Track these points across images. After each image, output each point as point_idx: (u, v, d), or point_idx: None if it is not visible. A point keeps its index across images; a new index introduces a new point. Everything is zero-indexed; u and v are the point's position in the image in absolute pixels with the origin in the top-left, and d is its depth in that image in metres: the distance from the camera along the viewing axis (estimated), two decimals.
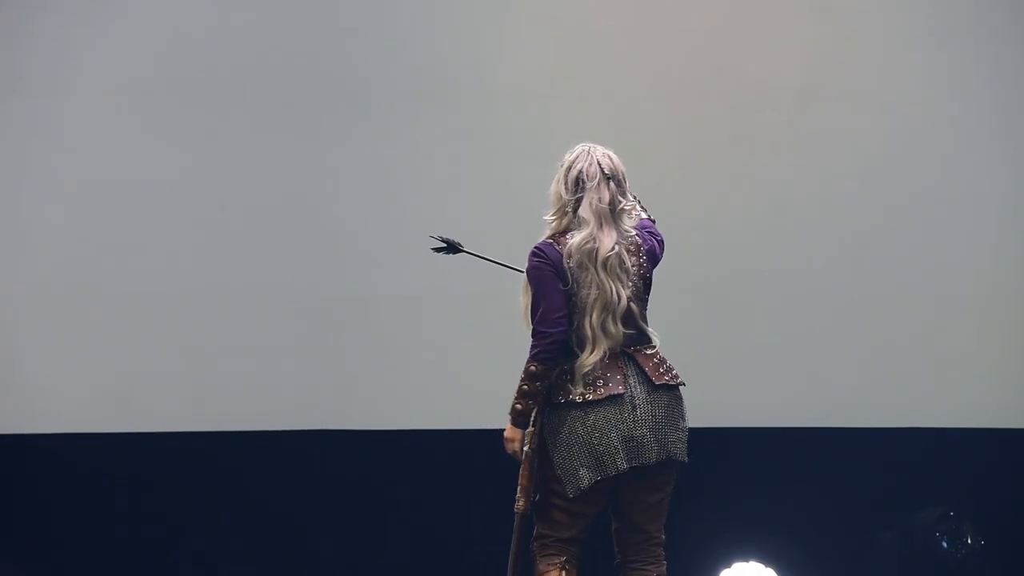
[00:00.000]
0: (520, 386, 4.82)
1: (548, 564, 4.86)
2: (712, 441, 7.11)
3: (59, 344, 7.17)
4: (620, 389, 4.76)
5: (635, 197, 4.96)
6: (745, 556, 7.20)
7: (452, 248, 5.29)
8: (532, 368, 4.79)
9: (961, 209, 7.41)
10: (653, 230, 4.96)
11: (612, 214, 4.81)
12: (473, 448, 7.08)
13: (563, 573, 4.85)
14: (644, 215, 5.01)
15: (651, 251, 4.90)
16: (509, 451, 4.90)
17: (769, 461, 7.32)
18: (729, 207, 7.35)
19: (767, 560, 7.19)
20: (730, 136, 7.37)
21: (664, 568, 4.94)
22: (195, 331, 7.20)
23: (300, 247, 7.24)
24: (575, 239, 4.78)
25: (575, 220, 4.81)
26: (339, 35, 7.29)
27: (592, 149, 4.87)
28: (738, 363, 7.31)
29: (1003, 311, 7.39)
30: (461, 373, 7.14)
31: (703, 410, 7.05)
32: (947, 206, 7.41)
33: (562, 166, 4.88)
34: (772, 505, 7.27)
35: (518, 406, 4.83)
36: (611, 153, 4.89)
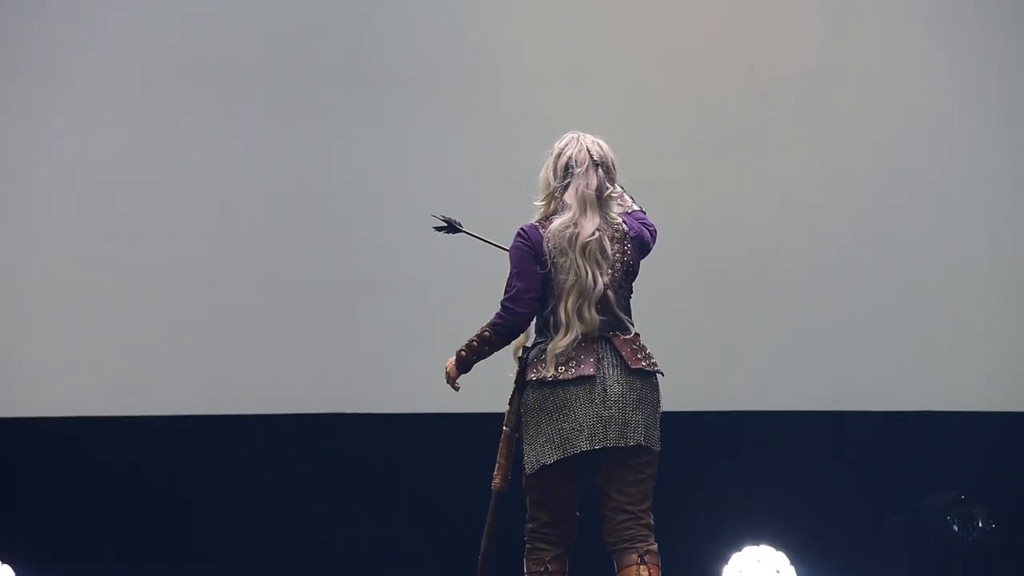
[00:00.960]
0: (471, 340, 4.92)
1: (534, 562, 4.90)
2: (723, 424, 7.14)
3: (71, 330, 7.18)
4: (591, 371, 4.79)
5: (623, 188, 4.98)
6: (756, 539, 7.20)
7: (452, 227, 5.32)
8: (486, 334, 4.88)
9: (970, 194, 7.41)
10: (645, 220, 4.97)
11: (598, 200, 4.84)
12: (481, 432, 7.08)
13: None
14: (635, 206, 5.02)
15: (639, 239, 4.90)
16: (446, 381, 5.04)
17: (780, 444, 7.32)
18: (739, 193, 7.35)
19: (778, 543, 7.19)
20: (740, 122, 7.37)
21: (654, 548, 4.90)
22: (206, 317, 7.21)
23: (311, 233, 7.25)
24: (555, 223, 4.82)
25: (561, 204, 4.84)
26: (350, 22, 7.29)
27: (582, 136, 4.91)
28: (749, 347, 7.31)
29: (1014, 294, 7.39)
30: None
31: (715, 394, 7.09)
32: (956, 191, 7.41)
33: (551, 153, 4.92)
34: (783, 488, 7.27)
35: (462, 352, 4.95)
36: (601, 141, 4.92)
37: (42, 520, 7.21)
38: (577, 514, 4.93)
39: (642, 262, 4.93)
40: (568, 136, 4.92)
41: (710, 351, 7.29)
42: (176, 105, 7.23)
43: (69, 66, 7.22)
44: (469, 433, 7.12)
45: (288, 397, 7.20)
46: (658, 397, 4.90)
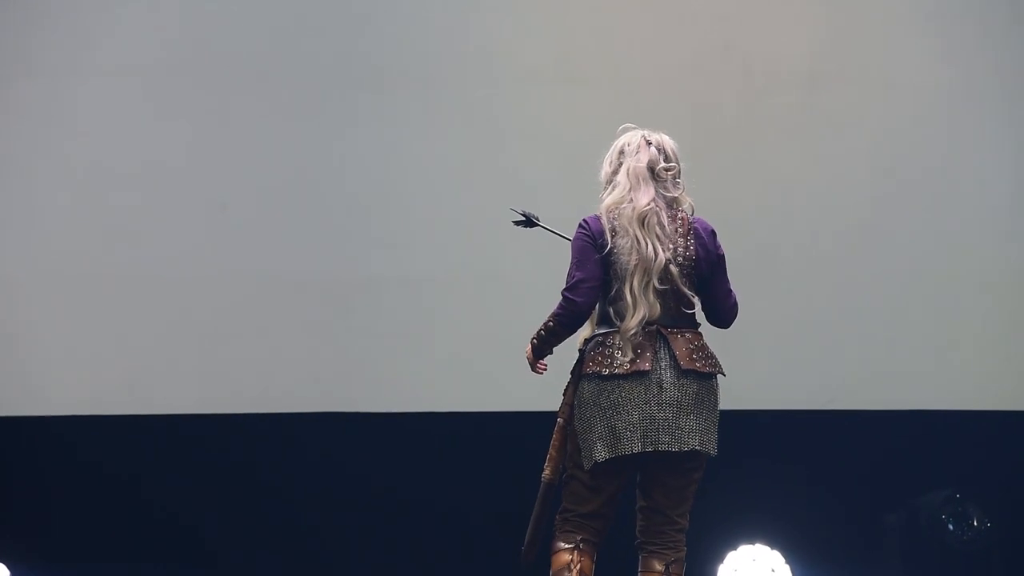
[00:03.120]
0: (539, 330, 4.86)
1: (563, 541, 4.85)
2: (719, 424, 7.13)
3: (68, 328, 7.18)
4: (647, 366, 4.73)
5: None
6: (751, 539, 7.20)
7: (529, 222, 5.26)
8: (551, 324, 4.84)
9: (967, 191, 7.41)
10: (715, 241, 4.92)
11: (651, 174, 4.84)
12: (481, 430, 7.10)
13: (575, 554, 4.83)
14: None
15: (703, 241, 4.86)
16: (530, 368, 4.97)
17: (775, 443, 7.32)
18: (737, 191, 7.34)
19: (773, 542, 7.19)
20: (738, 119, 7.36)
21: (682, 555, 4.92)
22: (203, 314, 7.20)
23: (309, 230, 7.24)
24: (608, 200, 4.83)
25: (615, 184, 4.86)
26: (347, 20, 7.29)
27: (639, 128, 4.94)
28: (744, 346, 7.28)
29: (1010, 292, 7.39)
30: (468, 356, 7.14)
31: None
32: (954, 188, 7.41)
33: (609, 150, 4.93)
34: (778, 487, 7.27)
35: (534, 341, 4.89)
36: (664, 134, 4.95)
37: (36, 519, 7.20)
38: (613, 512, 4.90)
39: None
40: (627, 130, 4.95)
41: None
42: (175, 103, 7.23)
43: (69, 63, 7.21)
44: (469, 432, 7.15)
45: (286, 396, 7.19)
46: (716, 400, 4.85)
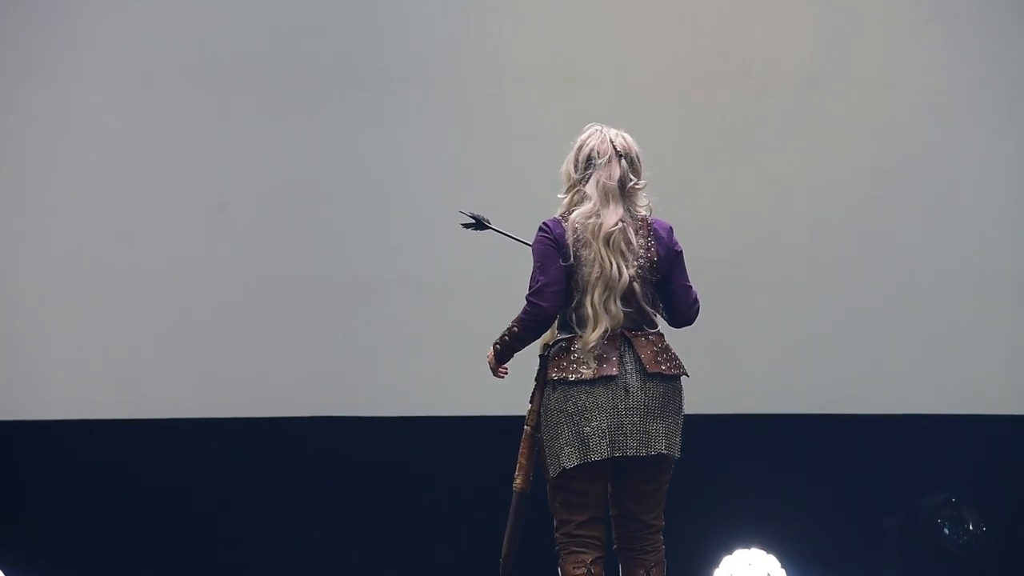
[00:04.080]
0: (502, 336, 4.85)
1: (573, 566, 4.81)
2: (714, 427, 7.13)
3: (63, 331, 7.15)
4: (614, 371, 4.72)
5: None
6: (747, 543, 7.20)
7: (480, 224, 5.24)
8: (515, 329, 4.81)
9: (966, 195, 7.41)
10: (672, 237, 4.88)
11: (621, 192, 4.77)
12: (478, 434, 7.09)
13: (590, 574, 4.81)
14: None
15: (662, 241, 4.82)
16: (492, 373, 4.97)
17: (771, 447, 7.32)
18: (735, 192, 7.34)
19: (768, 547, 7.19)
20: (736, 121, 7.36)
21: (662, 554, 4.89)
22: (201, 317, 7.18)
23: (307, 233, 7.23)
24: (576, 214, 4.75)
25: (582, 196, 4.78)
26: (346, 20, 7.27)
27: (605, 129, 4.86)
28: (741, 349, 7.30)
29: (1007, 297, 7.39)
30: (466, 360, 7.10)
31: (705, 396, 7.04)
32: (953, 192, 7.41)
33: (573, 146, 4.85)
34: (774, 491, 7.27)
35: (497, 346, 4.88)
36: (625, 134, 4.87)
37: (34, 524, 7.17)
38: (608, 516, 4.87)
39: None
40: (590, 128, 4.87)
41: (701, 353, 7.22)
42: (172, 105, 7.20)
43: (66, 66, 7.17)
44: (467, 436, 7.13)
45: (283, 399, 7.18)
46: (681, 401, 4.83)
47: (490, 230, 5.23)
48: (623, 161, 4.79)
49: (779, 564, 7.15)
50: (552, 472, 4.77)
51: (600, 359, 4.73)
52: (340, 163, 7.26)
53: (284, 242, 7.21)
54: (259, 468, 7.22)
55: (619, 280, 4.71)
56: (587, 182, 4.78)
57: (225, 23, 7.24)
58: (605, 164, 4.77)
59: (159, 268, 7.17)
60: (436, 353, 7.19)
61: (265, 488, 7.23)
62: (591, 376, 4.71)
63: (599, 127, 4.86)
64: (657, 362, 4.77)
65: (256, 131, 7.22)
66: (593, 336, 4.71)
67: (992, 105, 7.41)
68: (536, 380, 4.90)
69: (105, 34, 7.20)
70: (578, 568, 4.80)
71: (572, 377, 4.73)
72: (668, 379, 4.80)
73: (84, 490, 7.17)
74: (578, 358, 4.74)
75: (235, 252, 7.21)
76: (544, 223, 4.80)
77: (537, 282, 4.75)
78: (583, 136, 4.86)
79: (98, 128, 7.18)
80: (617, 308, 4.72)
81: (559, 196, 4.87)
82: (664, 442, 4.75)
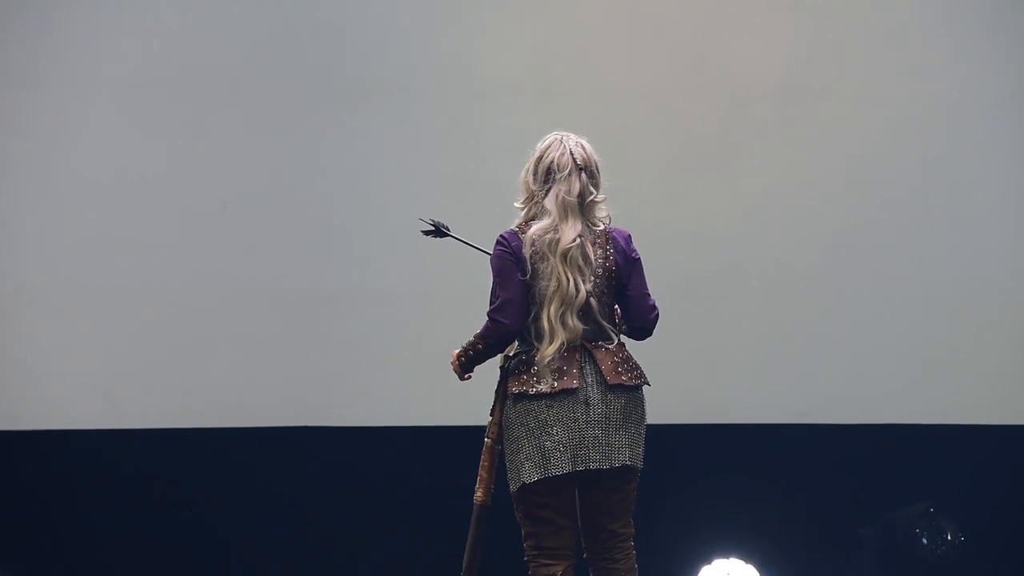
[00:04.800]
0: (466, 349, 4.84)
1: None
2: (693, 437, 7.14)
3: (42, 340, 7.14)
4: (574, 384, 4.68)
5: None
6: (726, 552, 7.20)
7: (439, 231, 5.22)
8: (479, 345, 4.80)
9: (945, 206, 7.43)
10: (630, 245, 4.85)
11: (580, 206, 4.73)
12: (454, 444, 7.07)
13: None
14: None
15: (620, 248, 4.80)
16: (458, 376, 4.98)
17: (750, 457, 7.33)
18: (714, 203, 7.35)
19: (748, 556, 7.19)
20: (715, 132, 7.37)
21: (632, 561, 4.87)
22: (175, 329, 7.18)
23: (284, 243, 7.22)
24: (534, 228, 4.71)
25: (540, 209, 4.74)
26: (325, 31, 7.27)
27: (565, 138, 4.81)
28: (720, 359, 7.31)
29: (985, 307, 7.40)
30: (443, 370, 7.11)
31: (686, 406, 7.08)
32: (929, 202, 7.43)
33: (533, 154, 4.81)
34: (753, 501, 7.27)
35: (463, 358, 4.87)
36: (584, 142, 4.82)
37: (13, 533, 7.16)
38: (576, 524, 4.84)
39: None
40: (551, 137, 4.82)
41: (680, 363, 7.28)
42: (150, 114, 7.20)
43: (40, 74, 7.18)
44: (443, 446, 7.13)
45: (260, 409, 7.17)
46: (643, 412, 4.81)
47: (449, 237, 5.23)
48: (583, 175, 4.74)
49: (758, 573, 7.15)
50: (513, 487, 4.76)
51: (560, 372, 4.70)
52: (317, 175, 7.25)
53: (259, 253, 7.20)
54: (232, 477, 7.22)
55: (576, 296, 4.68)
56: (546, 195, 4.73)
57: (201, 35, 7.23)
58: (565, 178, 4.72)
59: (134, 279, 7.16)
60: (411, 364, 7.18)
61: (240, 497, 7.22)
62: (551, 390, 4.68)
63: (559, 135, 4.81)
64: (618, 373, 4.75)
65: (233, 142, 7.21)
66: (549, 350, 4.68)
67: (971, 116, 7.43)
68: (496, 393, 4.88)
69: (79, 45, 7.19)
70: None
71: (532, 391, 4.71)
72: (629, 390, 4.77)
73: (61, 500, 7.16)
74: (537, 371, 4.71)
75: (210, 263, 7.20)
76: (502, 236, 4.77)
77: (498, 298, 4.73)
78: (543, 145, 4.81)
79: (72, 138, 7.17)
80: (575, 322, 4.69)
81: (516, 205, 4.84)
82: (628, 453, 4.73)
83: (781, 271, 7.36)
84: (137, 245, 7.18)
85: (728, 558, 7.19)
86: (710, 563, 7.18)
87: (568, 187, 4.72)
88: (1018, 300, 7.41)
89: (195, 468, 7.21)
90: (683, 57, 7.37)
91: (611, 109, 7.26)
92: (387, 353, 7.21)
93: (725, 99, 7.38)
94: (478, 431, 5.03)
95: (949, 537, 7.33)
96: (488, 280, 4.81)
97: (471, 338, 4.83)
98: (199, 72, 7.22)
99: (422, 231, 5.24)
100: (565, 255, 4.68)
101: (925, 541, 7.33)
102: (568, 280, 4.68)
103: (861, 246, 7.39)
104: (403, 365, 7.19)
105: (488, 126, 7.27)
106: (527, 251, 4.70)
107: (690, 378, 7.13)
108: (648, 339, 4.92)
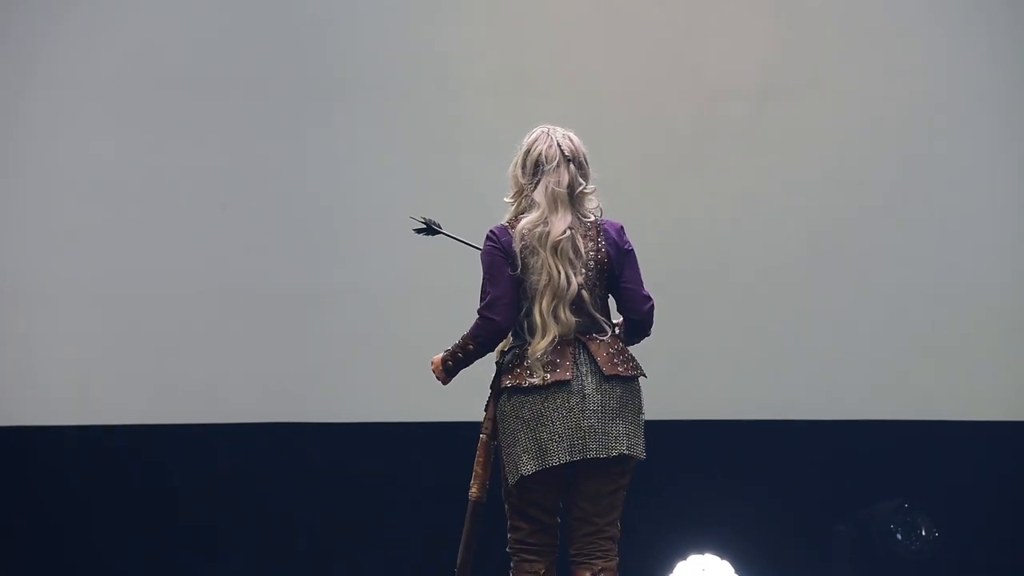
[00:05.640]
0: (455, 351, 4.82)
1: (527, 575, 4.80)
2: (668, 433, 7.13)
3: (19, 338, 7.12)
4: (568, 375, 4.67)
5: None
6: (701, 548, 7.21)
7: (431, 229, 5.21)
8: (469, 346, 4.78)
9: (922, 204, 7.44)
10: (623, 237, 4.85)
11: (570, 198, 4.73)
12: (435, 440, 7.08)
13: None
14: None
15: (611, 240, 4.80)
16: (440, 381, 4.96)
17: (725, 453, 7.34)
18: (691, 202, 7.36)
19: (722, 552, 7.20)
20: (693, 131, 7.37)
21: (613, 563, 4.85)
22: (154, 327, 7.17)
23: (263, 240, 7.22)
24: (524, 222, 4.70)
25: (530, 202, 4.73)
26: (302, 29, 7.26)
27: (552, 131, 4.81)
28: (696, 355, 7.32)
29: (958, 305, 7.43)
30: (422, 366, 7.11)
31: (660, 402, 7.08)
32: (905, 201, 7.45)
33: (520, 148, 4.81)
34: (727, 497, 7.29)
35: (449, 362, 4.85)
36: (572, 135, 4.83)
37: None
38: (559, 520, 4.84)
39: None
40: (538, 131, 4.82)
41: (656, 360, 7.28)
42: (127, 114, 7.18)
43: (24, 74, 7.16)
44: (424, 442, 7.13)
45: (239, 406, 7.16)
46: (640, 402, 4.80)
47: (441, 235, 5.22)
48: (571, 166, 4.75)
49: (733, 570, 7.17)
50: (511, 480, 4.74)
51: (552, 365, 4.68)
52: (295, 171, 7.24)
53: (239, 250, 7.20)
54: (212, 474, 7.21)
55: (567, 289, 4.67)
56: (535, 188, 4.73)
57: (179, 31, 7.21)
58: (553, 170, 4.73)
59: (113, 276, 7.16)
60: (390, 360, 7.18)
61: (220, 493, 7.21)
62: (544, 383, 4.67)
63: (546, 128, 4.82)
64: (614, 364, 4.74)
65: (209, 141, 7.20)
66: (541, 344, 4.67)
67: (949, 115, 7.44)
68: (491, 387, 4.86)
69: (62, 43, 7.18)
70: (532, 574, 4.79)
71: (525, 384, 4.70)
72: (626, 380, 4.77)
73: (34, 498, 7.15)
74: (531, 365, 4.70)
75: (189, 260, 7.19)
76: (491, 231, 4.76)
77: (487, 295, 4.73)
78: (530, 139, 4.81)
79: (53, 136, 7.16)
80: (567, 315, 4.68)
81: (506, 200, 4.84)
82: (626, 442, 4.73)
83: (757, 269, 7.37)
84: (113, 243, 7.16)
85: (703, 554, 7.20)
86: (685, 559, 7.19)
87: (557, 179, 4.72)
88: (992, 298, 7.44)
89: (168, 464, 7.20)
90: (660, 56, 7.37)
91: (588, 108, 7.26)
92: (372, 350, 7.21)
93: (702, 98, 7.39)
94: (465, 426, 5.03)
95: (923, 533, 7.35)
96: (475, 275, 4.81)
97: (459, 340, 4.82)
98: (174, 71, 7.21)
99: (414, 229, 5.23)
100: (555, 247, 4.68)
101: (899, 537, 7.35)
102: (559, 273, 4.67)
103: (838, 245, 7.40)
104: (389, 362, 7.18)
105: (464, 124, 7.27)
106: (517, 245, 4.69)
107: (665, 374, 7.10)
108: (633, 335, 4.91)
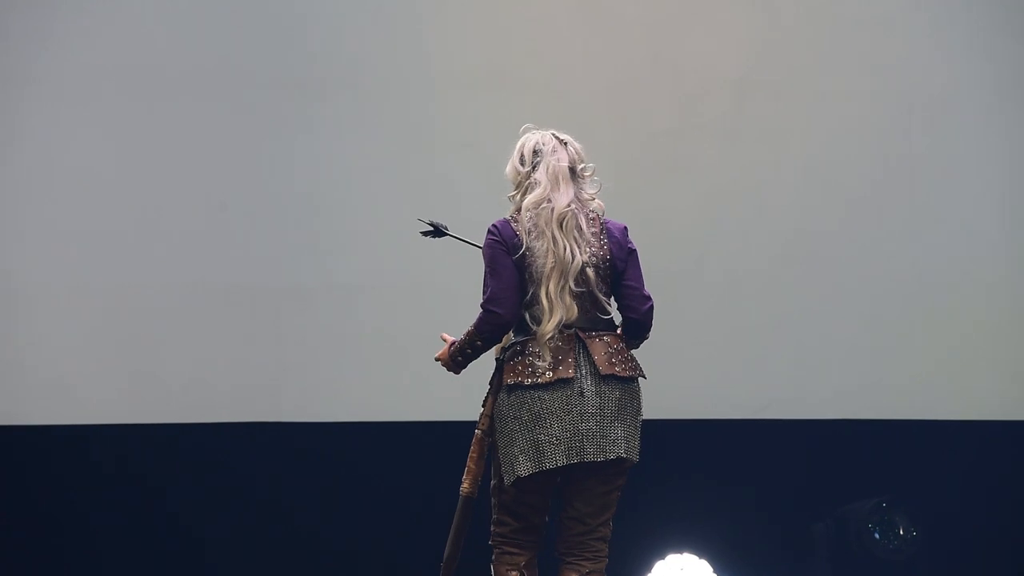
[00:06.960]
0: (462, 346, 4.81)
1: (507, 567, 4.80)
2: (646, 433, 7.13)
3: (16, 337, 7.10)
4: (570, 373, 4.66)
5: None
6: (679, 548, 7.21)
7: (438, 231, 5.20)
8: (477, 342, 4.77)
9: (901, 201, 7.46)
10: (626, 237, 4.86)
11: (572, 175, 4.77)
12: (413, 440, 7.08)
13: None
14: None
15: (615, 239, 4.81)
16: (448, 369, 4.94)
17: (703, 453, 7.35)
18: (669, 199, 7.36)
19: (701, 551, 7.20)
20: (670, 127, 7.38)
21: (602, 564, 4.85)
22: (133, 325, 7.15)
23: (240, 238, 7.21)
24: (528, 200, 4.73)
25: (532, 184, 4.76)
26: (280, 26, 7.25)
27: (539, 129, 4.86)
28: (673, 355, 7.31)
29: (937, 302, 7.44)
30: (400, 364, 7.11)
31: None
32: (884, 197, 7.46)
33: (515, 148, 4.84)
34: (706, 496, 7.30)
35: (459, 357, 4.84)
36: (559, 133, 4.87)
37: None
38: (547, 520, 4.85)
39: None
40: (526, 129, 4.86)
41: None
42: (103, 110, 7.16)
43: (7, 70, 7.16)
44: (402, 441, 7.13)
45: (216, 404, 7.15)
46: (639, 404, 4.80)
47: (448, 236, 5.22)
48: (569, 148, 4.80)
49: (711, 569, 7.17)
50: (507, 480, 4.73)
51: (556, 360, 4.68)
52: (274, 169, 7.23)
53: (215, 248, 7.18)
54: (187, 473, 7.19)
55: (572, 263, 4.67)
56: (536, 169, 4.76)
57: (154, 29, 7.19)
58: (552, 151, 4.77)
59: (90, 274, 7.14)
60: (367, 359, 7.18)
61: (194, 494, 7.20)
62: (548, 380, 4.66)
63: (533, 127, 4.86)
64: (611, 364, 4.73)
65: (187, 138, 7.18)
66: (549, 326, 4.66)
67: (930, 112, 7.46)
68: (491, 384, 4.85)
69: (44, 40, 7.16)
70: (511, 570, 4.80)
71: (528, 381, 4.68)
72: (624, 381, 4.75)
73: (18, 496, 7.14)
74: (534, 360, 4.68)
75: (166, 258, 7.17)
76: (493, 225, 4.77)
77: (490, 288, 4.72)
78: (522, 138, 4.85)
79: (28, 134, 7.15)
80: (571, 300, 4.68)
81: (509, 196, 4.84)
82: (624, 445, 4.71)
83: (736, 267, 7.38)
84: (90, 241, 7.15)
85: (681, 553, 7.20)
86: (664, 558, 7.19)
87: (557, 157, 4.77)
88: (971, 296, 7.45)
89: (146, 463, 7.19)
90: (639, 54, 7.38)
91: (567, 105, 7.25)
92: (355, 349, 7.21)
93: (680, 94, 7.39)
94: (454, 425, 5.00)
95: (901, 532, 7.36)
96: (463, 273, 4.80)
97: (464, 335, 4.81)
98: (151, 67, 7.20)
99: (421, 232, 5.21)
100: (561, 221, 4.69)
101: (877, 536, 7.36)
102: (564, 247, 4.68)
103: (817, 243, 7.41)
104: (374, 360, 7.18)
105: (442, 120, 7.30)
106: (523, 228, 4.70)
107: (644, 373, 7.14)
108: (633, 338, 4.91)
